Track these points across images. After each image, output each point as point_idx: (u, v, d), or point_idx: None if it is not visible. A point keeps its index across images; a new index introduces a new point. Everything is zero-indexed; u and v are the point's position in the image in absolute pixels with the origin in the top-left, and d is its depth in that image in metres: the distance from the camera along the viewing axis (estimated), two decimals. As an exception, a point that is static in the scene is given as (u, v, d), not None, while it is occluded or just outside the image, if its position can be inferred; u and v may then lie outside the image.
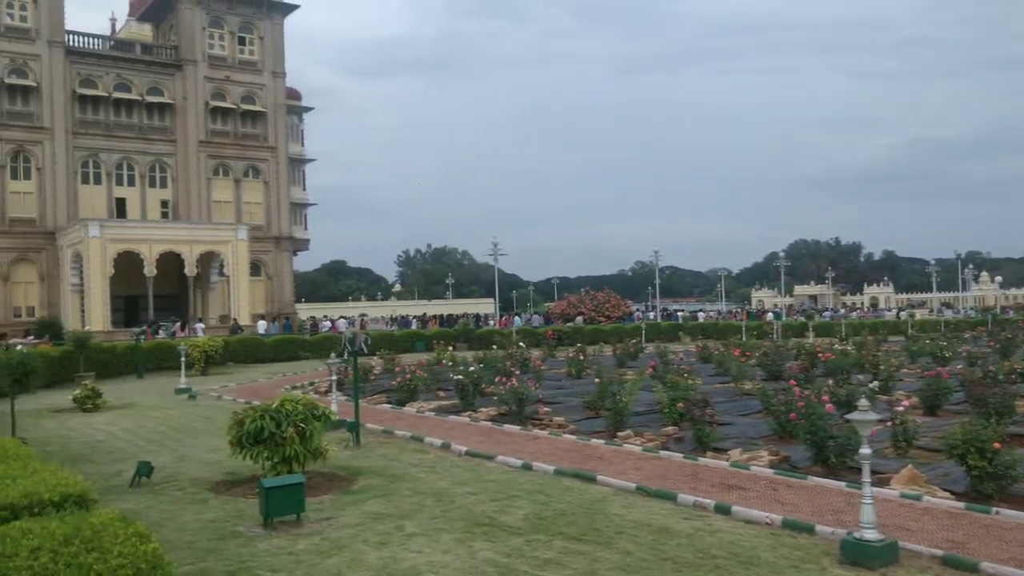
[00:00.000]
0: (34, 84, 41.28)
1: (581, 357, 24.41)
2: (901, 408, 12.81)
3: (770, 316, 56.58)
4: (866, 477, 6.82)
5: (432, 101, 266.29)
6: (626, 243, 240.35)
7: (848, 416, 7.40)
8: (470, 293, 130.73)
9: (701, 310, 68.51)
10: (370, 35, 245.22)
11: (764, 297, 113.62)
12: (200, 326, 37.25)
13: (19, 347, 18.51)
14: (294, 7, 49.42)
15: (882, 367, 19.41)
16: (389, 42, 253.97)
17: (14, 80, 40.78)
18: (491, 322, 52.27)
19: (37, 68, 41.52)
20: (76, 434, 15.11)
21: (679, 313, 60.87)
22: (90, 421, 16.78)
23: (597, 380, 16.88)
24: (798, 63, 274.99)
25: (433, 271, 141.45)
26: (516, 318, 51.30)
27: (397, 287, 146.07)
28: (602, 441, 12.62)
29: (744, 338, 35.80)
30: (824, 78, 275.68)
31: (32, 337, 32.46)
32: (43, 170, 41.66)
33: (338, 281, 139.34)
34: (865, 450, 6.86)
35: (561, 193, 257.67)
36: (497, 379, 17.48)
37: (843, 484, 9.20)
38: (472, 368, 19.03)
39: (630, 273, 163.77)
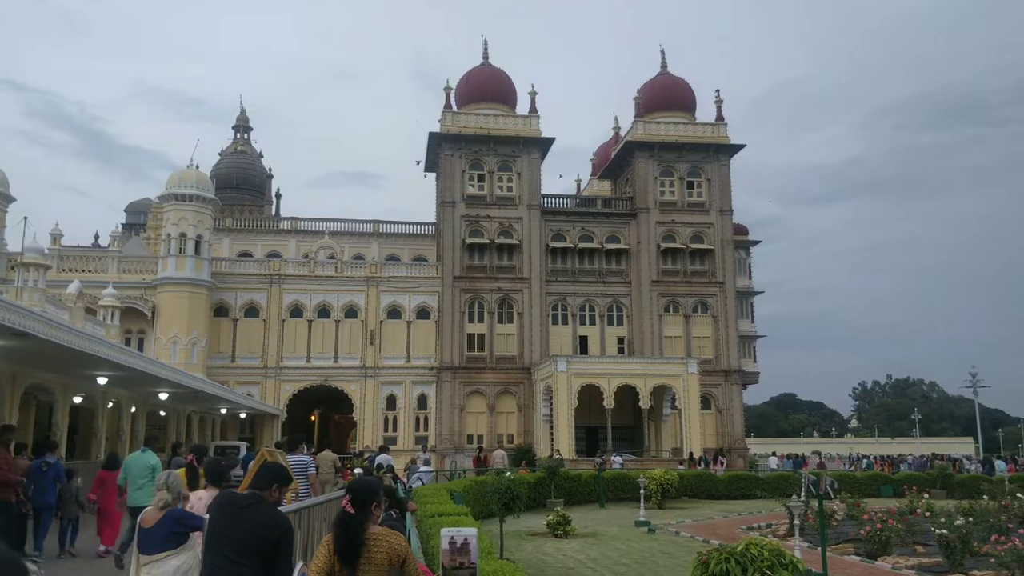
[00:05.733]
0: (517, 242, 48.40)
1: (1109, 517, 19.65)
2: None
3: None
4: None
5: (893, 221, 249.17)
6: None
7: None
8: (941, 431, 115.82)
9: None
10: (817, 162, 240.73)
11: None
12: (723, 460, 39.95)
13: (507, 474, 20.78)
14: (740, 147, 51.21)
15: None
16: (838, 166, 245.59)
17: (502, 240, 48.35)
18: (973, 466, 45.36)
19: (519, 228, 48.73)
20: (550, 559, 16.27)
21: None
22: (561, 547, 17.96)
23: None
24: None
25: (895, 405, 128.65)
26: (999, 462, 43.96)
27: (853, 423, 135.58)
28: None
29: None
30: None
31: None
32: (523, 314, 48.02)
33: (787, 415, 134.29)
34: None
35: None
36: (993, 537, 14.83)
37: None
38: (958, 522, 16.45)
39: None
